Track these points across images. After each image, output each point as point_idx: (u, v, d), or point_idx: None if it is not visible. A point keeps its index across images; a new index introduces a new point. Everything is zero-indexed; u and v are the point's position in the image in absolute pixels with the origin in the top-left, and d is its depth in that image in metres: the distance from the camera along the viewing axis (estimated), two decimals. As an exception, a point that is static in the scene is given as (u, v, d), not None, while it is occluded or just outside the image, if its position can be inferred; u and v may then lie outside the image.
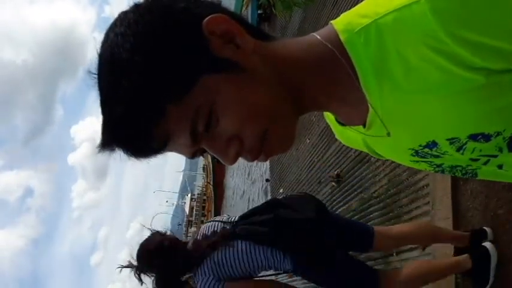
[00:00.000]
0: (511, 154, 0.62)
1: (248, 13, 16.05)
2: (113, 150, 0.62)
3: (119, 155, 0.63)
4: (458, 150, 0.63)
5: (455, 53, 0.51)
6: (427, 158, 0.69)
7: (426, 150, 0.66)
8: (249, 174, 19.76)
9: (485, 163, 0.66)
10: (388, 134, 0.66)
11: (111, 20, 0.63)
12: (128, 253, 2.10)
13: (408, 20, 0.52)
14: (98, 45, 0.63)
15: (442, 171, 0.75)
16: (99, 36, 0.62)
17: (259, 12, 15.45)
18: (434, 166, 0.73)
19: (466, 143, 0.61)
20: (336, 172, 6.52)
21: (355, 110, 0.67)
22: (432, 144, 0.64)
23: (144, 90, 0.58)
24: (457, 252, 2.96)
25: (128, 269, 2.12)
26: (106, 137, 0.62)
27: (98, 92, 0.62)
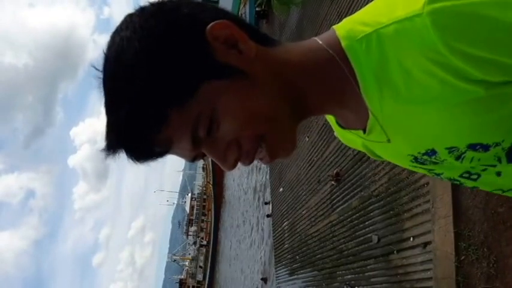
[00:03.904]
0: (510, 165, 0.62)
1: (246, 10, 16.07)
2: (115, 152, 0.62)
3: (119, 158, 0.63)
4: (457, 159, 0.63)
5: (455, 66, 0.51)
6: (426, 164, 0.69)
7: (425, 157, 0.66)
8: (249, 174, 19.78)
9: (483, 170, 0.66)
10: (388, 141, 0.66)
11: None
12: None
13: (410, 32, 0.53)
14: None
15: (442, 178, 0.75)
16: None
17: (257, 9, 15.45)
18: (433, 174, 0.73)
19: (465, 152, 0.61)
20: (335, 171, 6.52)
21: (355, 115, 0.67)
22: (431, 152, 0.64)
23: (147, 94, 0.58)
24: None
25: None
26: (109, 140, 0.61)
27: (103, 93, 0.62)
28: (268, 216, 12.90)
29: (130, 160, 0.62)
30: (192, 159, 0.66)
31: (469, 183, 0.71)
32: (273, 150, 0.65)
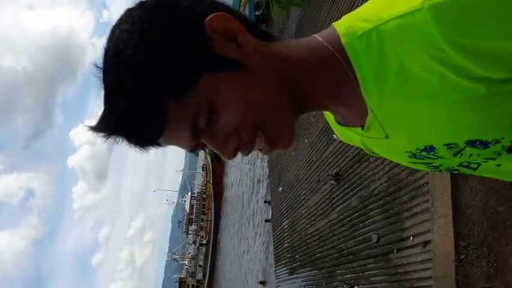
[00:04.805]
0: (510, 155, 0.62)
1: (245, 14, 16.00)
2: (110, 136, 0.62)
3: (110, 139, 0.63)
4: (455, 155, 0.64)
5: (456, 63, 0.50)
6: (424, 159, 0.70)
7: (424, 153, 0.67)
8: (252, 178, 19.73)
9: (484, 162, 0.66)
10: (387, 137, 0.66)
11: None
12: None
13: (410, 27, 0.52)
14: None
15: (440, 171, 0.75)
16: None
17: (256, 13, 15.36)
18: (432, 168, 0.74)
19: (463, 148, 0.61)
20: (335, 171, 6.53)
21: (354, 112, 0.67)
22: (430, 149, 0.65)
23: (147, 87, 0.58)
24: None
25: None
26: (106, 125, 0.62)
27: (103, 85, 0.62)
28: (267, 221, 12.87)
29: (128, 145, 0.63)
30: (192, 149, 0.67)
31: (468, 172, 0.72)
32: (271, 140, 0.66)
